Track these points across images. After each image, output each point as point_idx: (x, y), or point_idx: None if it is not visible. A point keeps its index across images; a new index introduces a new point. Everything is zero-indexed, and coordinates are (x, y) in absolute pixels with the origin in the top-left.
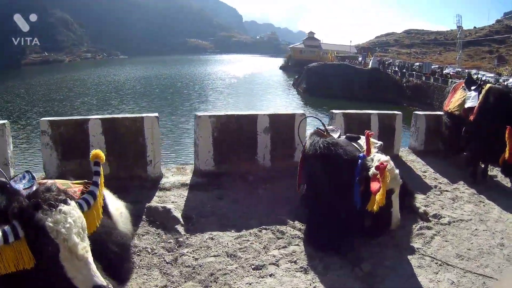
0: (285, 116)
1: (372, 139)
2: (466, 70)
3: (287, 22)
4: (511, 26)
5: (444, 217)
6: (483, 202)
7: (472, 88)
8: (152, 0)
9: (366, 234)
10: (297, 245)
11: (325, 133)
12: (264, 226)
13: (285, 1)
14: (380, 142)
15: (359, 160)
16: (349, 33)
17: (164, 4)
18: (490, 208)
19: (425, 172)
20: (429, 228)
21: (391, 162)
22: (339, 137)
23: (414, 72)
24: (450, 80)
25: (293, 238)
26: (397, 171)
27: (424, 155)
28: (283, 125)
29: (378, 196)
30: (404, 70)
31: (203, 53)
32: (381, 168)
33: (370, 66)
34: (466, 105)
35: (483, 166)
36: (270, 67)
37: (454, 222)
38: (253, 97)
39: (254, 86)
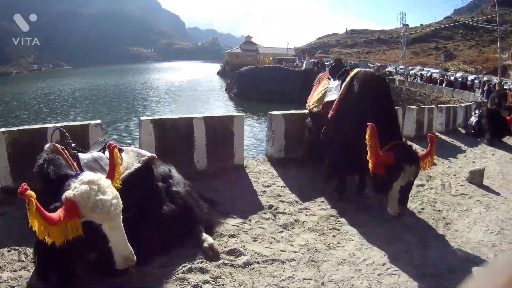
0: None
1: (137, 151)
2: (410, 67)
3: (230, 28)
4: (460, 22)
5: (244, 255)
6: (338, 229)
7: (337, 76)
8: (95, 9)
9: None
10: None
11: (66, 148)
12: None
13: (228, 8)
14: (148, 155)
15: (69, 181)
16: (292, 37)
17: (107, 13)
18: (342, 240)
19: (268, 186)
20: (204, 271)
21: (102, 183)
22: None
23: None
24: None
25: None
26: (105, 197)
27: (282, 164)
28: None
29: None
30: None
31: (145, 61)
32: (67, 198)
33: (303, 67)
34: (326, 99)
35: (358, 178)
36: (209, 73)
37: (257, 263)
38: (181, 104)
39: (188, 92)
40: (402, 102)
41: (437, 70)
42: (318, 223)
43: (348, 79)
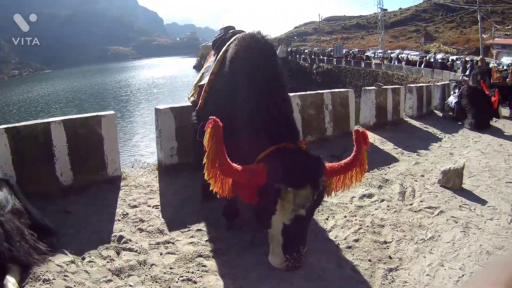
0: None
1: None
2: (389, 51)
3: (208, 22)
4: (440, 4)
5: None
6: (194, 283)
7: (215, 49)
8: (68, 10)
9: None
10: None
11: None
12: None
13: (207, 4)
14: None
15: None
16: (272, 27)
17: (82, 13)
18: None
19: (135, 207)
20: None
21: None
22: None
23: (325, 58)
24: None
25: None
26: None
27: (175, 172)
28: None
29: None
30: (314, 56)
31: (125, 60)
32: None
33: None
34: (200, 83)
35: None
36: (185, 68)
37: None
38: (151, 102)
39: (160, 89)
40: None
41: (417, 53)
42: (171, 268)
43: (222, 51)
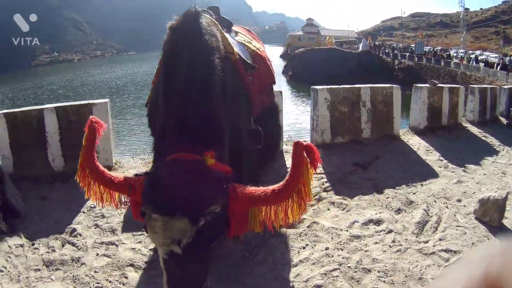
0: None
1: None
2: (470, 51)
3: (298, 12)
4: None
5: None
6: None
7: None
8: None
9: None
10: None
11: None
12: None
13: None
14: None
15: None
16: (356, 20)
17: None
18: None
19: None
20: None
21: None
22: None
23: (407, 54)
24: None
25: None
26: None
27: None
28: None
29: None
30: (396, 52)
31: None
32: None
33: (360, 49)
34: None
35: None
36: (272, 56)
37: None
38: None
39: None
40: None
41: (496, 55)
42: (95, 272)
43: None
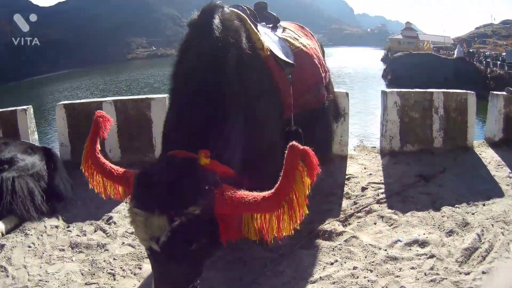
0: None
1: None
2: None
3: (399, 15)
4: None
5: None
6: None
7: None
8: None
9: None
10: None
11: None
12: None
13: None
14: None
15: None
16: (451, 25)
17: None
18: None
19: None
20: None
21: None
22: None
23: (498, 62)
24: None
25: None
26: None
27: None
28: None
29: None
30: (489, 60)
31: None
32: None
33: (455, 56)
34: None
35: None
36: (374, 59)
37: None
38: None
39: (345, 78)
40: None
41: None
42: (114, 259)
43: None
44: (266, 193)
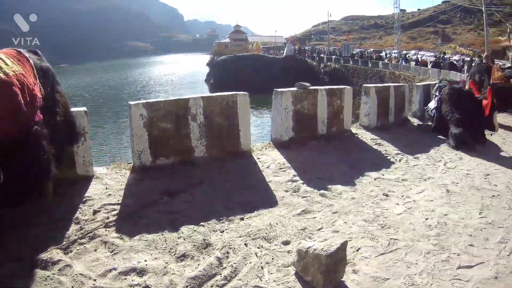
0: None
1: None
2: (404, 52)
3: (229, 19)
4: (458, 6)
5: None
6: None
7: None
8: (91, 5)
9: None
10: None
11: None
12: None
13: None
14: None
15: None
16: (291, 25)
17: (103, 8)
18: None
19: None
20: None
21: None
22: None
23: (333, 56)
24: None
25: None
26: None
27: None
28: None
29: None
30: (322, 55)
31: (143, 56)
32: None
33: (284, 54)
34: None
35: None
36: (200, 65)
37: None
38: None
39: (165, 87)
40: None
41: (432, 54)
42: None
43: None
44: None
